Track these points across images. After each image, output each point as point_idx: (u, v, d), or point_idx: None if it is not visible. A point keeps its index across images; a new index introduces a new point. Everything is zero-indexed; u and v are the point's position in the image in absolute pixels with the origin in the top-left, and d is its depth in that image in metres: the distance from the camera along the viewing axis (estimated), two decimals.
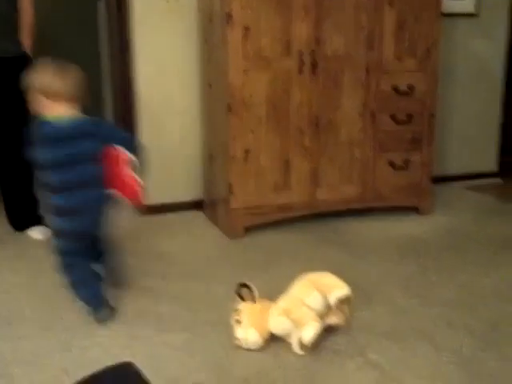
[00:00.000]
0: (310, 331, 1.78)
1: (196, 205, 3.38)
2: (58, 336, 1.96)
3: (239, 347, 1.85)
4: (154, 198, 3.33)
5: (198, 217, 3.30)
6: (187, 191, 3.39)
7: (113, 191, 2.02)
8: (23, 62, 2.76)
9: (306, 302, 1.83)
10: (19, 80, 2.77)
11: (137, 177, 2.04)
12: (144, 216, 3.30)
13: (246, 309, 1.84)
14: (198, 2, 3.12)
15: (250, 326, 1.81)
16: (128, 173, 2.02)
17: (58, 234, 2.06)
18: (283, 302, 1.87)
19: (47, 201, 2.02)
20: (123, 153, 2.02)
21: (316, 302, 1.84)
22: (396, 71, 3.03)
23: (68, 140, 1.95)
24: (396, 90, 3.05)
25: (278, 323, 1.83)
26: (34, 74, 1.98)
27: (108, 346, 1.88)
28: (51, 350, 1.87)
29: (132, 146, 2.07)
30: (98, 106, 4.87)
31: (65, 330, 2.00)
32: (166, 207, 3.34)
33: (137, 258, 2.66)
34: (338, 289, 1.89)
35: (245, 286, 1.89)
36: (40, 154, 1.97)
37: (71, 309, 2.15)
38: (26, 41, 2.80)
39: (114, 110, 4.28)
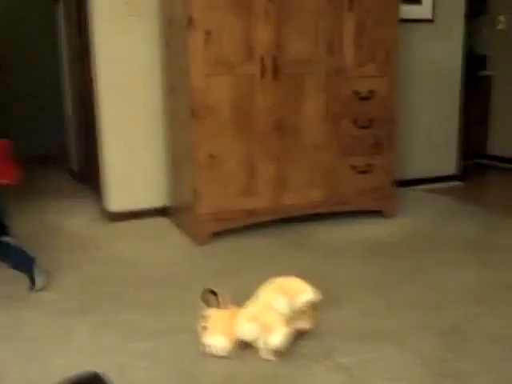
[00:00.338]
0: (277, 336, 1.78)
1: (161, 211, 3.35)
2: (19, 346, 1.90)
3: (207, 354, 1.83)
4: (118, 204, 3.30)
5: (162, 223, 3.27)
6: (151, 197, 3.36)
7: None
8: None
9: (273, 307, 1.83)
10: None
11: None
12: (108, 223, 3.27)
13: (213, 315, 1.82)
14: (159, 4, 3.10)
15: (218, 332, 1.80)
16: None
17: None
18: (251, 307, 1.86)
19: None
20: None
21: (283, 306, 1.84)
22: (356, 76, 3.07)
23: None
24: (357, 94, 3.09)
25: (246, 329, 1.82)
26: None
27: (73, 357, 1.84)
28: (14, 361, 1.81)
29: None
30: (59, 109, 4.79)
31: (28, 340, 1.95)
32: (130, 214, 3.30)
33: (100, 264, 2.62)
34: (305, 293, 1.89)
35: (211, 292, 1.88)
36: None
37: (34, 318, 2.09)
38: None
39: (74, 115, 4.21)
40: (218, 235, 2.94)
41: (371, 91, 3.11)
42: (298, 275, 1.97)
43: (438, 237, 3.01)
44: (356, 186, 3.17)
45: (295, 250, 2.80)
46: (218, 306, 1.84)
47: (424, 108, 4.06)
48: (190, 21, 2.65)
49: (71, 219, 3.38)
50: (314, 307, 1.95)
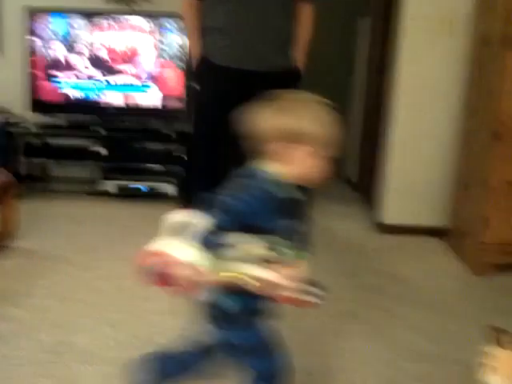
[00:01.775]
0: None
1: (437, 232, 3.23)
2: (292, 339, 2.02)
3: None
4: (395, 218, 3.29)
5: (437, 244, 3.15)
6: (430, 216, 3.27)
7: None
8: (294, 76, 2.79)
9: None
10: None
11: None
12: (380, 234, 3.29)
13: (503, 355, 1.67)
14: (474, 24, 2.97)
15: (504, 374, 1.65)
16: None
17: None
18: None
19: None
20: None
21: None
22: None
23: None
24: None
25: None
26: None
27: (345, 360, 1.88)
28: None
29: None
30: (347, 123, 4.98)
31: (304, 333, 2.05)
32: (406, 229, 3.26)
33: (373, 275, 2.64)
34: None
35: (500, 330, 1.73)
36: None
37: (308, 314, 2.20)
38: (301, 56, 2.80)
39: (362, 128, 4.34)
40: (502, 269, 2.71)
41: None
42: None
43: None
44: None
45: None
46: (502, 345, 1.69)
47: None
48: (509, 40, 2.49)
49: (346, 226, 3.47)
50: None
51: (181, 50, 3.60)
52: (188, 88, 3.62)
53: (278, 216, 1.33)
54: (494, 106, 2.60)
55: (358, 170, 4.44)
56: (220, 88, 2.76)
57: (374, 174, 3.77)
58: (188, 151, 3.57)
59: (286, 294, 1.32)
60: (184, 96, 3.65)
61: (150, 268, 1.31)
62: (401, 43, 3.13)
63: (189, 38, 2.89)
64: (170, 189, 3.60)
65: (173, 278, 1.30)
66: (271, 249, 1.33)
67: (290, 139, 1.33)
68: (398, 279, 2.62)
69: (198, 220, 1.34)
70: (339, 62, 5.52)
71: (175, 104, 3.67)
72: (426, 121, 3.18)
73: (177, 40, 3.59)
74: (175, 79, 3.64)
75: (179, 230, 1.35)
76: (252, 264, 1.32)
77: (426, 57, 3.11)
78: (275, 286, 1.31)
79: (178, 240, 1.33)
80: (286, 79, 2.75)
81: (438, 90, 3.14)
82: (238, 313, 1.37)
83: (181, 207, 1.55)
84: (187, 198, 3.28)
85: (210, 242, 1.29)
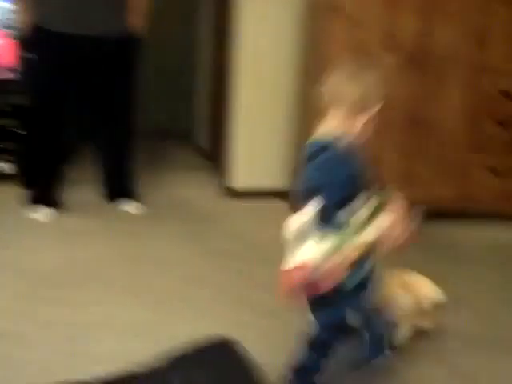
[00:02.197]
0: (399, 331, 1.74)
1: (283, 194, 3.38)
2: (146, 308, 2.03)
3: None
4: (243, 183, 3.39)
5: (284, 206, 3.29)
6: (276, 179, 3.40)
7: None
8: (133, 41, 2.82)
9: (395, 302, 1.79)
10: (129, 58, 2.86)
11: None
12: (229, 199, 3.37)
13: None
14: None
15: None
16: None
17: None
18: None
19: None
20: None
21: (406, 303, 1.80)
22: (506, 73, 2.88)
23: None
24: (505, 94, 2.90)
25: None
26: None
27: (195, 324, 1.92)
28: (140, 322, 1.94)
29: None
30: (191, 88, 4.97)
31: (153, 303, 2.07)
32: (254, 193, 3.38)
33: (225, 241, 2.72)
34: (429, 292, 1.84)
35: None
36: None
37: (159, 283, 2.22)
38: (139, 22, 2.79)
39: (207, 93, 4.36)
40: None
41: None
42: (423, 274, 1.92)
43: None
44: (492, 188, 2.99)
45: (419, 247, 2.71)
46: None
47: None
48: (334, 7, 2.63)
49: (195, 193, 3.51)
50: (435, 307, 1.89)
51: (12, 17, 3.33)
52: (22, 58, 3.38)
53: (357, 179, 1.41)
54: (324, 70, 2.74)
55: (207, 137, 4.48)
56: (55, 56, 2.66)
57: (222, 140, 3.82)
58: (26, 125, 3.36)
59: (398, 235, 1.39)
60: (18, 67, 3.40)
61: (299, 284, 1.30)
62: (240, 7, 3.17)
63: (17, 5, 2.72)
64: (6, 167, 3.36)
65: (320, 280, 1.30)
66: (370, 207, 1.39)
67: (358, 106, 1.43)
68: (245, 241, 2.72)
69: (308, 214, 1.34)
70: (183, 25, 5.43)
71: (8, 75, 3.41)
72: (268, 85, 3.28)
73: (7, 7, 3.31)
74: (7, 49, 3.38)
75: (302, 233, 1.34)
76: (367, 228, 1.38)
77: (262, 22, 3.18)
78: (392, 233, 1.38)
79: (305, 242, 1.33)
80: (124, 44, 2.74)
81: (277, 54, 3.24)
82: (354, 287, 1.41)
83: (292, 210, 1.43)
84: (29, 177, 3.10)
85: (327, 227, 1.31)
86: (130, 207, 3.05)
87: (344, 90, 1.45)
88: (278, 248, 2.62)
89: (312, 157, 1.41)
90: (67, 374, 1.55)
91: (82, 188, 3.32)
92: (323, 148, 1.40)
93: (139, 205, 3.09)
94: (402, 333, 1.75)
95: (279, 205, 3.33)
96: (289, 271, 1.34)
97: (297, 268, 1.32)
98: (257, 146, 3.36)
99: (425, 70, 2.80)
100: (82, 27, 2.63)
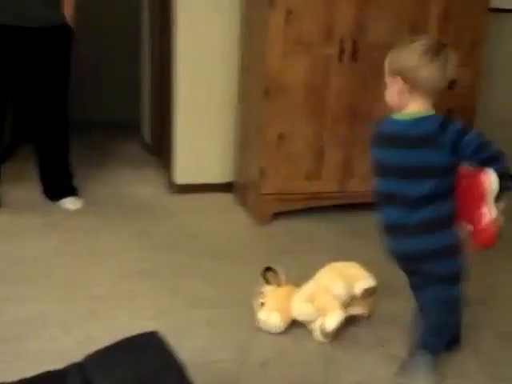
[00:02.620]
0: (333, 319, 1.78)
1: (226, 187, 3.39)
2: (85, 304, 2.00)
3: (261, 329, 1.86)
4: (186, 177, 3.37)
5: (227, 199, 3.31)
6: (218, 173, 3.40)
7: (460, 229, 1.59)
8: (65, 32, 2.81)
9: (330, 290, 1.83)
10: (61, 49, 2.84)
11: (495, 213, 1.50)
12: (174, 194, 3.35)
13: (270, 292, 1.85)
14: None
15: (273, 309, 1.82)
16: (485, 209, 1.49)
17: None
18: (308, 288, 1.87)
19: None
20: (485, 177, 1.48)
21: (340, 290, 1.84)
22: None
23: (404, 144, 1.58)
24: None
25: (301, 309, 1.84)
26: (399, 54, 1.60)
27: (134, 318, 1.92)
28: (79, 318, 1.91)
29: (499, 166, 1.50)
30: (135, 80, 4.91)
31: (93, 298, 2.04)
32: (198, 187, 3.36)
33: (167, 234, 2.70)
34: (364, 279, 1.89)
35: (270, 269, 1.90)
36: (373, 154, 1.70)
37: (100, 279, 2.19)
38: (69, 11, 2.79)
39: (150, 87, 4.31)
40: (280, 216, 2.96)
41: (452, 81, 3.00)
42: (357, 261, 1.96)
43: None
44: None
45: (356, 237, 2.77)
46: (278, 283, 1.87)
47: (503, 103, 3.89)
48: (270, 1, 2.64)
49: (139, 188, 3.47)
50: (371, 295, 1.94)
51: None
52: None
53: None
54: (263, 65, 2.76)
55: (151, 131, 4.44)
56: None
57: (166, 136, 3.80)
58: None
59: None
60: None
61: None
62: (177, 1, 3.15)
63: None
64: None
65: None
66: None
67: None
68: (189, 235, 2.71)
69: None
70: (127, 19, 5.36)
71: None
72: (208, 80, 3.26)
73: None
74: None
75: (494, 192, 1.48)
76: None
77: (202, 15, 3.16)
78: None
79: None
80: (57, 35, 2.75)
81: (216, 48, 3.22)
82: None
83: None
84: None
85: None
86: (69, 203, 3.00)
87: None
88: (219, 239, 2.66)
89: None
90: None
91: (22, 185, 3.24)
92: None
93: (79, 200, 3.04)
94: (337, 320, 1.79)
95: (223, 197, 3.34)
96: (493, 220, 1.49)
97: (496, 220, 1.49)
98: (200, 141, 3.34)
99: (362, 61, 2.84)
100: (17, 18, 2.63)
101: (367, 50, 2.82)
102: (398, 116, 1.63)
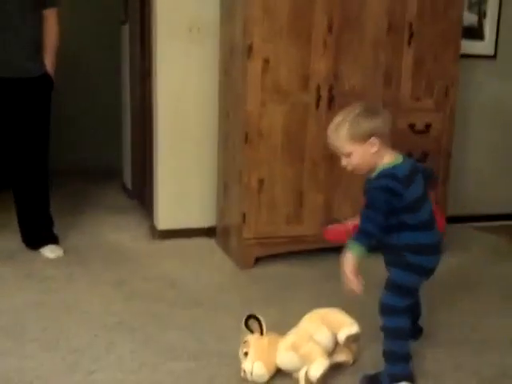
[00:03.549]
0: (317, 368, 1.76)
1: (208, 232, 3.39)
2: (64, 357, 1.96)
3: (244, 380, 1.83)
4: (168, 222, 3.36)
5: (208, 244, 3.31)
6: (200, 218, 3.41)
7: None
8: (45, 82, 2.84)
9: (314, 338, 1.82)
10: (40, 99, 2.87)
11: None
12: (156, 240, 3.34)
13: (253, 341, 1.83)
14: (220, 33, 3.17)
15: (256, 358, 1.80)
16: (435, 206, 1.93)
17: (414, 269, 1.81)
18: (292, 336, 1.85)
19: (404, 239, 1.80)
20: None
21: (325, 338, 1.83)
22: (413, 109, 3.05)
23: (414, 178, 1.79)
24: (412, 128, 3.06)
25: (285, 358, 1.81)
26: (356, 120, 1.76)
27: (114, 371, 1.88)
28: (56, 372, 1.87)
29: (433, 176, 2.05)
30: (117, 127, 4.94)
31: (72, 351, 2.00)
32: (179, 233, 3.35)
33: (144, 281, 2.67)
34: (348, 326, 1.88)
35: (254, 317, 1.88)
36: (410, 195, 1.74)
37: (78, 331, 2.15)
38: (49, 61, 2.86)
39: (131, 134, 4.34)
40: (262, 260, 2.95)
41: (427, 125, 3.09)
42: (340, 306, 1.96)
43: (485, 277, 2.93)
44: None
45: (338, 280, 2.76)
46: (261, 332, 1.85)
47: (479, 144, 3.99)
48: (249, 49, 2.71)
49: (120, 234, 3.45)
50: (355, 341, 1.93)
51: None
52: None
53: None
54: (241, 111, 2.81)
55: (132, 177, 4.43)
56: None
57: (147, 181, 3.80)
58: None
59: None
60: None
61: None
62: (156, 50, 3.20)
63: None
64: None
65: None
66: None
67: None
68: (168, 282, 2.68)
69: None
70: (108, 68, 5.44)
71: None
72: (188, 126, 3.30)
73: None
74: None
75: None
76: None
77: (182, 63, 3.22)
78: None
79: None
80: (37, 85, 2.80)
81: (196, 95, 3.28)
82: None
83: None
84: None
85: None
86: (49, 252, 2.97)
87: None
88: (200, 287, 2.63)
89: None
90: None
91: (2, 234, 3.20)
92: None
93: (59, 248, 3.01)
94: (322, 368, 1.77)
95: (205, 242, 3.34)
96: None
97: None
98: (181, 186, 3.36)
99: (339, 108, 2.89)
100: (4, 70, 2.71)
101: (343, 97, 2.89)
102: (391, 164, 1.77)
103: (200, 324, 2.26)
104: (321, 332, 1.84)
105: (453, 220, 3.70)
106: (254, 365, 1.80)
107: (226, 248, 3.14)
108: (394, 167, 1.76)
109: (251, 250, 2.89)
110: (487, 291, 2.74)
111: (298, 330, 1.87)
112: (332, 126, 1.82)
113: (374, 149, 1.75)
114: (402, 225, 1.76)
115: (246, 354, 1.82)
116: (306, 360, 1.78)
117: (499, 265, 3.14)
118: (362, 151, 1.75)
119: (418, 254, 1.78)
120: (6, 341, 2.06)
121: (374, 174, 1.79)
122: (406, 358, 1.81)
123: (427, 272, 1.83)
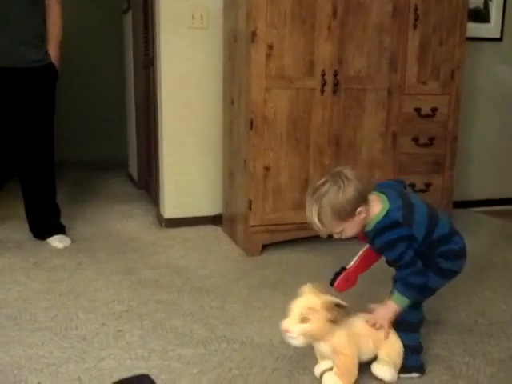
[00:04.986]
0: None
1: (214, 220, 3.40)
2: (73, 345, 1.97)
3: (252, 366, 1.83)
4: (174, 211, 3.37)
5: (215, 232, 3.31)
6: (206, 206, 3.41)
7: None
8: (49, 73, 2.84)
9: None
10: (45, 89, 2.87)
11: None
12: (163, 229, 3.35)
13: (320, 319, 1.64)
14: (223, 20, 3.15)
15: (310, 331, 1.63)
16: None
17: (445, 273, 1.78)
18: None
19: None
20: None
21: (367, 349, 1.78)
22: (418, 93, 3.03)
23: (410, 205, 1.71)
24: (418, 112, 3.05)
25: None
26: (336, 196, 1.65)
27: (123, 358, 1.89)
28: (66, 359, 1.88)
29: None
30: (122, 117, 4.94)
31: (81, 339, 2.01)
32: (186, 221, 3.36)
33: (155, 271, 2.68)
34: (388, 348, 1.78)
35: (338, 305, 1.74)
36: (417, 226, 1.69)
37: (87, 319, 2.16)
38: (54, 52, 2.86)
39: (136, 124, 4.34)
40: (269, 247, 2.95)
41: (433, 109, 3.07)
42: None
43: (493, 261, 2.92)
44: None
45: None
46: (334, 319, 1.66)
47: (485, 128, 3.96)
48: (253, 36, 2.69)
49: (127, 224, 3.47)
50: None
51: None
52: None
53: None
54: (246, 98, 2.80)
55: (137, 167, 4.44)
56: None
57: (152, 171, 3.81)
58: None
59: None
60: None
61: None
62: (160, 39, 3.19)
63: None
64: None
65: None
66: None
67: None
68: (175, 270, 2.69)
69: None
70: (111, 58, 5.44)
71: None
72: (193, 114, 3.30)
73: None
74: None
75: None
76: None
77: (186, 51, 3.21)
78: None
79: None
80: (41, 75, 2.80)
81: (200, 83, 3.27)
82: None
83: None
84: None
85: None
86: (56, 242, 2.98)
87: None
88: (208, 274, 2.64)
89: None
90: None
91: (10, 223, 3.22)
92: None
93: (66, 238, 3.02)
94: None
95: (211, 230, 3.34)
96: None
97: None
98: (187, 174, 3.36)
99: (343, 93, 2.89)
100: (7, 60, 2.70)
101: (348, 82, 2.88)
102: (383, 211, 1.68)
103: (208, 310, 2.26)
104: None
105: (461, 205, 3.70)
106: (301, 338, 1.64)
107: (232, 235, 3.14)
108: (388, 215, 1.66)
109: (258, 237, 2.89)
110: (495, 274, 2.74)
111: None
112: (312, 215, 1.73)
113: (363, 215, 1.66)
114: (433, 246, 1.72)
115: (304, 319, 1.65)
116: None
117: (507, 248, 3.14)
118: (353, 223, 1.68)
119: (450, 260, 1.74)
120: (15, 329, 2.07)
121: (370, 228, 1.70)
122: (418, 349, 1.81)
123: (454, 276, 1.80)
